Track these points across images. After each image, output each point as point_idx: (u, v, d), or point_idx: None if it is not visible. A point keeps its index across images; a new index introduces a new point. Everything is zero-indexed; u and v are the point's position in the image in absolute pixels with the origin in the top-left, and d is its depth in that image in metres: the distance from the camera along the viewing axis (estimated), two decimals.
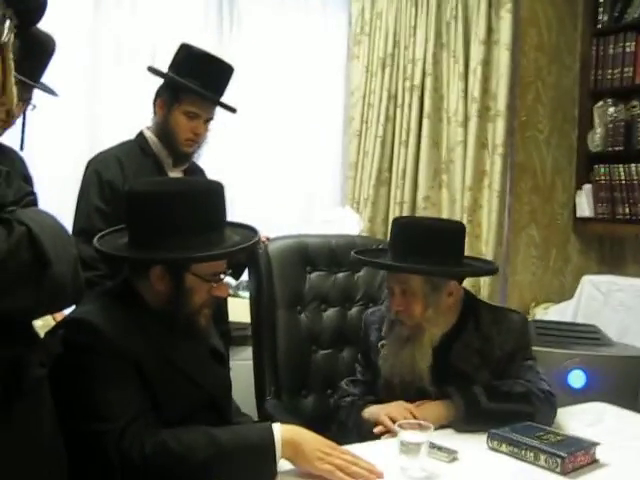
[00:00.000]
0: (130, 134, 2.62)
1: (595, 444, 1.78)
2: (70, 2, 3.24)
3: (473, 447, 1.83)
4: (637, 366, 3.00)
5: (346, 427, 2.15)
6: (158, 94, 2.54)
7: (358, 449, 1.74)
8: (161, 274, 1.64)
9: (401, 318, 2.05)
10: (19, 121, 2.11)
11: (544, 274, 4.08)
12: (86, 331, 1.56)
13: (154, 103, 2.55)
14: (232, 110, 2.63)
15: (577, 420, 2.05)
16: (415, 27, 3.74)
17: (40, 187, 2.34)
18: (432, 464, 1.68)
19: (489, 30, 3.71)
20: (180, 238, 1.60)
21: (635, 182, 3.72)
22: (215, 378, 1.79)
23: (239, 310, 2.92)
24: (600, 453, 1.78)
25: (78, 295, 1.32)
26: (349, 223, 3.44)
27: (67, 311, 1.68)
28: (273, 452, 1.59)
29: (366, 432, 2.00)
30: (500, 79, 3.69)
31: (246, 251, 1.99)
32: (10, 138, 2.08)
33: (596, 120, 3.97)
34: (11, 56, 1.18)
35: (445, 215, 3.77)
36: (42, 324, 2.09)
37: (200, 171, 2.73)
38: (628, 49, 3.77)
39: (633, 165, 3.72)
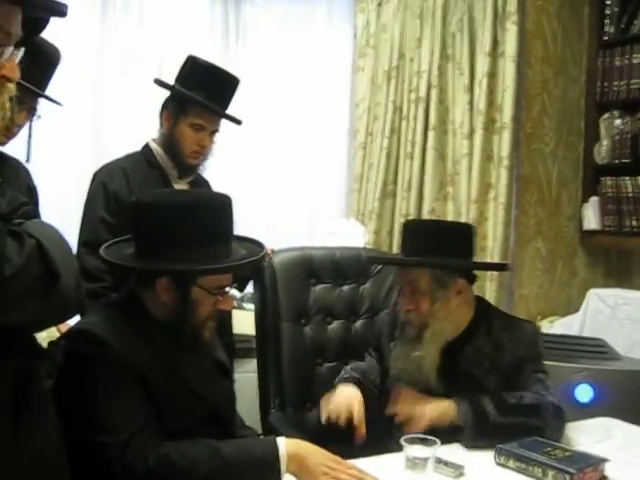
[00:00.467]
0: (136, 146, 2.62)
1: (604, 460, 1.76)
2: (77, 13, 3.25)
3: (480, 462, 1.81)
4: None
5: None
6: (164, 106, 2.55)
7: (364, 464, 1.73)
8: (167, 285, 1.64)
9: (410, 317, 2.09)
10: (25, 132, 2.11)
11: (550, 287, 4.06)
12: (91, 342, 1.56)
13: (160, 115, 2.56)
14: (238, 122, 2.64)
15: (585, 435, 2.03)
16: (420, 39, 3.75)
17: (45, 198, 2.36)
18: (438, 479, 1.66)
19: (495, 42, 3.70)
20: (187, 250, 1.60)
21: None
22: (219, 391, 1.78)
23: (244, 322, 2.91)
24: (609, 469, 1.76)
25: (80, 307, 1.32)
26: (354, 235, 3.43)
27: (72, 322, 1.68)
28: (278, 466, 1.58)
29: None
30: (506, 91, 3.69)
31: (252, 265, 1.99)
32: (16, 149, 2.09)
33: (602, 132, 3.96)
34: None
35: None
36: (46, 335, 2.09)
37: (205, 183, 2.73)
38: (635, 61, 3.76)
39: None
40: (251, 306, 3.04)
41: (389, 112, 3.76)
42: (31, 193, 2.19)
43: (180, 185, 2.57)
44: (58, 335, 1.82)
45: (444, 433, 1.88)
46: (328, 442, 1.77)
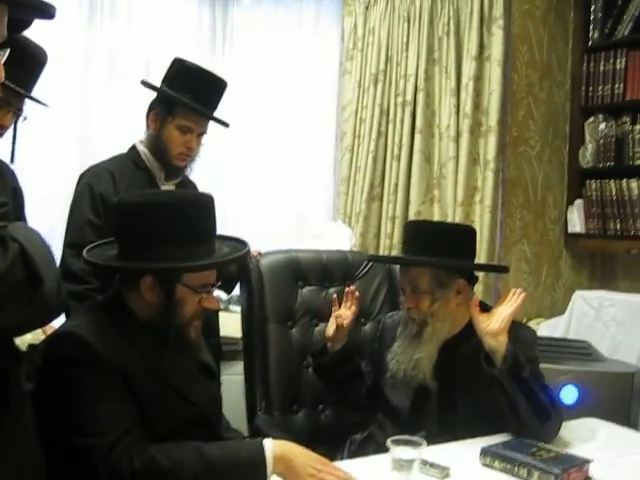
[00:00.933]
0: (122, 147, 2.61)
1: (588, 461, 1.78)
2: (64, 13, 3.24)
3: (466, 463, 1.82)
4: (629, 382, 2.99)
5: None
6: (151, 108, 2.54)
7: (349, 465, 1.73)
8: (151, 285, 1.64)
9: (412, 315, 2.13)
10: (9, 133, 2.10)
11: (535, 289, 4.08)
12: (76, 345, 1.55)
13: (147, 117, 2.54)
14: (225, 124, 2.63)
15: (570, 436, 2.04)
16: (407, 43, 3.76)
17: (31, 200, 2.35)
18: None
19: (481, 46, 3.72)
20: (170, 249, 1.60)
21: (626, 198, 3.73)
22: (205, 393, 1.77)
23: (230, 325, 2.91)
24: (593, 470, 1.77)
25: (61, 309, 1.33)
26: (341, 238, 3.44)
27: (56, 323, 1.67)
28: (264, 468, 1.58)
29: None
30: (492, 95, 3.70)
31: (236, 262, 2.00)
32: (0, 150, 2.08)
33: (587, 136, 3.99)
34: None
35: None
36: (31, 337, 2.08)
37: (192, 185, 2.72)
38: (618, 66, 3.79)
39: (624, 181, 3.73)
40: (238, 308, 3.04)
41: (376, 115, 3.77)
42: (16, 194, 2.18)
43: (167, 187, 2.56)
44: (43, 337, 1.82)
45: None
46: (315, 444, 1.78)
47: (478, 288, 3.63)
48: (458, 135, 3.74)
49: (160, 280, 1.63)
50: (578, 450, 1.90)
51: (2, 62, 1.18)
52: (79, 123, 3.42)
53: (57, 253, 2.28)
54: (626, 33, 3.78)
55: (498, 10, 3.69)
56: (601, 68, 3.89)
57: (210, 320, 2.15)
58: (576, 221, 4.03)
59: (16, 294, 1.14)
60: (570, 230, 4.08)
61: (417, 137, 3.75)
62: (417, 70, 3.74)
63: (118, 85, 3.47)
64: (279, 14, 3.84)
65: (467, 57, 3.73)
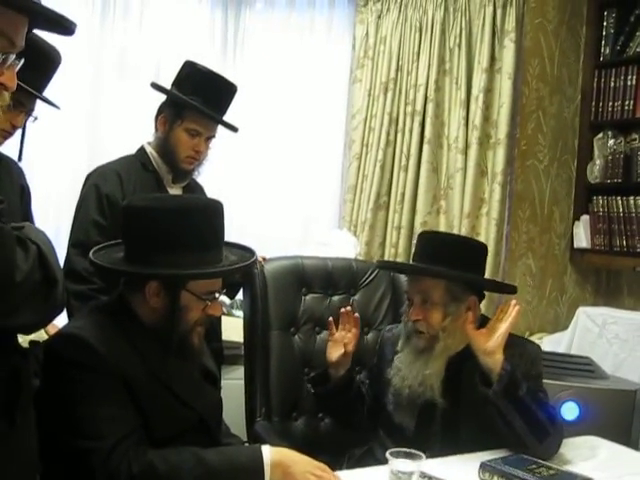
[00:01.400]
0: (131, 149, 2.61)
1: (588, 479, 1.76)
2: (76, 14, 3.25)
3: (465, 478, 1.81)
4: (630, 400, 2.98)
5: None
6: (160, 110, 2.54)
7: (348, 476, 1.73)
8: (156, 290, 1.63)
9: (419, 328, 2.06)
10: (18, 132, 2.10)
11: (539, 304, 4.07)
12: (79, 347, 1.55)
13: (156, 119, 2.55)
14: (234, 129, 2.63)
15: (570, 454, 2.03)
16: (418, 53, 3.76)
17: (38, 198, 2.36)
18: None
19: (492, 58, 3.72)
20: (177, 255, 1.60)
21: (633, 215, 3.72)
22: (206, 399, 1.77)
23: (232, 329, 2.90)
24: None
25: (63, 309, 1.35)
26: (346, 246, 3.43)
27: (59, 322, 1.68)
28: (262, 474, 1.58)
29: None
30: (501, 108, 3.70)
31: (242, 271, 1.99)
32: (9, 148, 2.08)
33: (596, 152, 3.98)
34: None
35: None
36: (34, 335, 2.08)
37: (200, 189, 2.72)
38: (629, 82, 3.79)
39: (631, 198, 3.72)
40: (240, 313, 3.03)
41: (385, 124, 3.76)
42: (24, 192, 2.18)
43: (174, 190, 2.57)
44: (46, 337, 1.82)
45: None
46: (313, 452, 1.77)
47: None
48: (467, 147, 3.74)
49: (165, 286, 1.63)
50: (578, 468, 1.88)
51: (16, 71, 1.19)
52: (88, 123, 3.43)
53: (63, 252, 2.30)
54: (638, 50, 3.78)
55: (510, 23, 3.69)
56: (612, 84, 3.89)
57: (212, 325, 2.14)
58: (582, 236, 4.02)
59: (35, 295, 1.17)
60: (576, 245, 4.07)
61: (425, 147, 3.75)
62: (427, 80, 3.74)
63: (128, 86, 3.47)
64: (291, 19, 3.85)
65: (478, 69, 3.73)
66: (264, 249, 2.64)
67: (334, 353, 2.18)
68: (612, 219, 3.83)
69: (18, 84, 1.23)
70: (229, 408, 2.01)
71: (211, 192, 2.80)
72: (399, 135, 3.79)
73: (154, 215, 1.63)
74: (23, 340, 1.45)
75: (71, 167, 3.30)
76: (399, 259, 3.71)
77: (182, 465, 1.53)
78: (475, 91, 3.73)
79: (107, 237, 2.18)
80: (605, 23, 3.97)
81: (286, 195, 3.84)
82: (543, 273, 4.07)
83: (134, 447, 1.52)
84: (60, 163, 3.34)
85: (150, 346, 1.64)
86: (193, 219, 1.64)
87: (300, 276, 2.63)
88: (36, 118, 2.12)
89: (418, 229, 3.74)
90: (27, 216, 2.10)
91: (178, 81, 2.54)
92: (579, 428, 2.65)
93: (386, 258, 3.76)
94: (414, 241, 3.71)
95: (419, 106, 3.74)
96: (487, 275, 3.61)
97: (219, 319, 2.57)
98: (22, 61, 1.19)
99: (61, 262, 1.61)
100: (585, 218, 4.02)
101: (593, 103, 4.00)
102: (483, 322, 2.15)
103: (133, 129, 3.23)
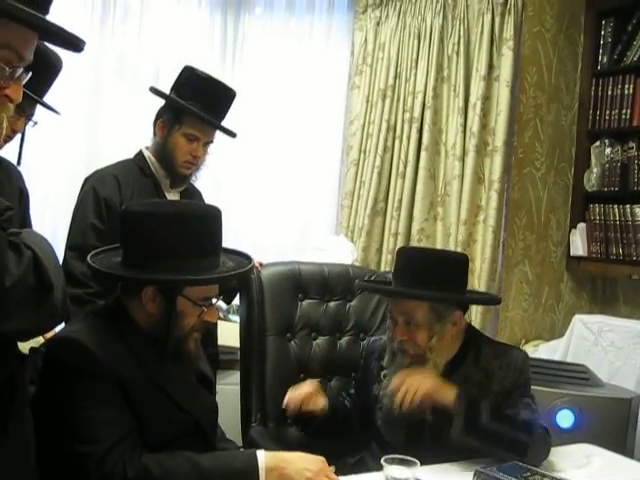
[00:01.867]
0: (129, 153, 2.62)
1: None
2: (75, 18, 3.26)
3: None
4: (626, 408, 2.99)
5: None
6: (159, 115, 2.55)
7: None
8: (153, 295, 1.64)
9: (405, 347, 2.04)
10: (18, 135, 2.11)
11: (536, 311, 4.07)
12: (75, 351, 1.55)
13: (154, 124, 2.55)
14: (232, 134, 2.64)
15: (564, 461, 2.03)
16: (417, 60, 3.77)
17: (36, 201, 2.36)
18: None
19: (490, 66, 3.73)
20: (175, 261, 1.60)
21: (629, 223, 3.73)
22: (202, 404, 1.77)
23: (229, 334, 2.90)
24: None
25: (64, 317, 1.34)
26: (343, 252, 3.44)
27: (56, 328, 1.67)
28: (257, 479, 1.58)
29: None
30: (499, 115, 3.71)
31: (239, 278, 1.99)
32: (8, 152, 2.08)
33: (593, 160, 3.99)
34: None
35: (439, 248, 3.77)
36: (33, 340, 2.08)
37: (198, 193, 2.73)
38: (627, 91, 3.81)
39: (628, 206, 3.74)
40: (237, 318, 3.03)
41: (382, 131, 3.77)
42: (22, 196, 2.18)
43: (171, 194, 2.57)
44: (43, 341, 1.82)
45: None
46: None
47: (478, 308, 3.64)
48: (464, 154, 3.74)
49: (162, 291, 1.63)
50: (572, 476, 1.89)
51: (23, 83, 1.19)
52: (87, 126, 3.43)
53: (59, 255, 2.30)
54: (635, 59, 3.80)
55: (508, 31, 3.70)
56: (609, 93, 3.90)
57: (209, 330, 2.14)
58: (579, 244, 4.03)
59: (28, 300, 1.16)
60: (572, 253, 4.08)
61: (423, 154, 3.76)
62: (425, 87, 3.75)
63: (127, 90, 3.48)
64: (290, 25, 3.86)
65: (476, 77, 3.74)
66: (261, 255, 2.65)
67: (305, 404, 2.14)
68: (609, 227, 3.84)
69: None
70: (225, 413, 2.01)
71: (208, 197, 2.80)
72: (397, 142, 3.80)
73: (152, 220, 1.64)
74: (22, 347, 1.45)
75: (69, 170, 3.30)
76: None
77: (177, 469, 1.53)
78: (473, 98, 3.74)
79: (104, 241, 2.19)
80: (603, 32, 3.98)
81: (283, 200, 3.84)
82: (539, 280, 4.08)
83: (129, 451, 1.52)
84: (58, 166, 3.34)
85: (146, 351, 1.64)
86: (191, 225, 1.64)
87: (297, 282, 2.63)
88: (36, 123, 2.13)
89: (415, 236, 3.75)
90: (25, 219, 2.11)
91: (177, 86, 2.55)
92: (574, 436, 2.65)
93: (383, 264, 3.77)
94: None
95: (417, 113, 3.75)
96: (483, 282, 3.64)
97: (215, 325, 2.57)
98: (30, 74, 1.20)
99: None
100: (582, 226, 4.03)
101: (590, 111, 4.02)
102: (469, 332, 2.14)
103: (132, 133, 3.23)
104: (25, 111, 2.04)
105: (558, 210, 4.12)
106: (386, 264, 3.74)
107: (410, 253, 2.22)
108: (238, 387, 2.59)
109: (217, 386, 2.26)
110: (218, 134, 2.59)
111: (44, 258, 1.20)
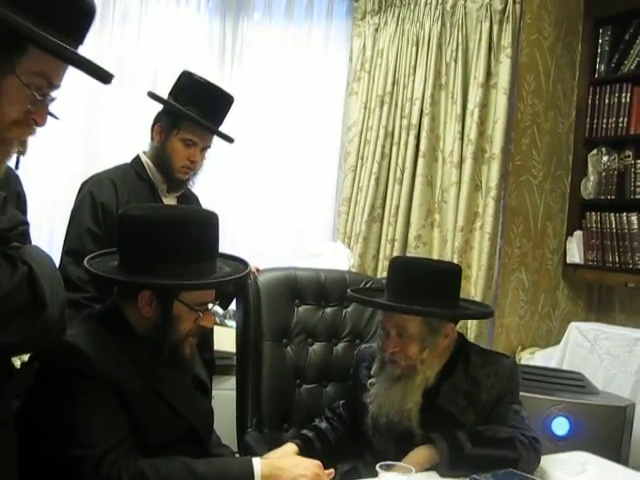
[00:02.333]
0: (126, 157, 2.62)
1: None
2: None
3: None
4: (621, 416, 2.98)
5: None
6: (157, 120, 2.55)
7: None
8: (149, 300, 1.64)
9: (396, 359, 2.03)
10: None
11: (532, 318, 4.07)
12: (71, 355, 1.55)
13: (152, 128, 2.55)
14: (230, 140, 2.64)
15: (559, 469, 2.03)
16: (415, 67, 3.78)
17: (33, 205, 2.36)
18: None
19: (488, 74, 3.74)
20: (171, 265, 1.60)
21: (626, 231, 3.74)
22: (198, 409, 1.77)
23: (225, 339, 2.91)
24: None
25: (59, 337, 1.33)
26: (339, 258, 3.44)
27: None
28: None
29: None
30: (496, 123, 3.72)
31: (236, 283, 1.99)
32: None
33: (590, 168, 4.00)
34: None
35: (436, 255, 3.77)
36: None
37: (195, 198, 2.73)
38: (624, 99, 3.81)
39: (624, 214, 3.74)
40: (233, 323, 3.03)
41: (380, 137, 3.78)
42: (19, 199, 2.18)
43: (168, 199, 2.57)
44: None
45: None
46: None
47: None
48: (461, 161, 3.75)
49: (158, 295, 1.63)
50: None
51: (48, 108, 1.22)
52: (84, 131, 3.43)
53: (56, 259, 2.30)
54: (632, 67, 3.81)
55: (506, 39, 3.71)
56: (606, 101, 3.91)
57: (205, 335, 2.14)
58: (575, 252, 4.03)
59: (18, 315, 1.17)
60: (569, 260, 4.09)
61: (420, 161, 3.76)
62: (423, 94, 3.76)
63: (125, 95, 3.48)
64: (289, 31, 3.87)
65: (474, 84, 3.75)
66: (258, 260, 2.65)
67: None
68: (605, 235, 3.85)
69: None
70: (220, 418, 2.01)
71: (206, 202, 2.81)
72: (394, 148, 3.81)
73: (149, 225, 1.64)
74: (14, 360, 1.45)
75: (67, 175, 3.31)
76: None
77: (173, 475, 1.53)
78: (470, 106, 3.75)
79: (101, 245, 2.19)
80: (600, 40, 3.99)
81: (281, 206, 3.85)
82: (536, 288, 4.08)
83: (125, 455, 1.52)
84: (56, 170, 3.34)
85: (142, 355, 1.64)
86: (189, 230, 1.64)
87: (293, 287, 2.63)
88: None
89: (412, 242, 3.76)
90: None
91: (175, 91, 2.55)
92: (569, 443, 2.66)
93: (379, 270, 3.77)
94: (408, 254, 3.74)
95: (415, 120, 3.76)
96: (480, 289, 3.65)
97: (211, 330, 2.57)
98: (56, 98, 1.23)
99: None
100: (578, 234, 4.03)
101: (588, 119, 4.02)
102: (459, 342, 2.14)
103: (129, 138, 3.24)
104: None
105: (555, 217, 4.13)
106: (383, 270, 3.74)
107: (403, 264, 2.19)
108: (234, 392, 2.58)
109: (213, 391, 2.25)
110: (216, 139, 2.59)
111: (41, 275, 1.20)
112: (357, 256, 3.74)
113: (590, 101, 4.01)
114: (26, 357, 1.76)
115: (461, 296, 2.20)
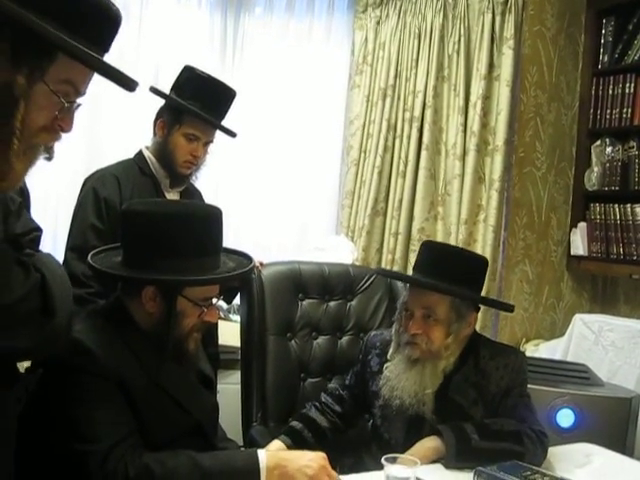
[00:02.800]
0: (129, 153, 2.62)
1: None
2: None
3: None
4: (626, 407, 2.98)
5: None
6: (159, 115, 2.55)
7: None
8: (153, 295, 1.64)
9: (417, 340, 2.01)
10: None
11: (536, 310, 4.07)
12: (76, 351, 1.55)
13: (154, 123, 2.55)
14: (232, 134, 2.64)
15: (565, 461, 2.04)
16: (417, 59, 3.77)
17: (36, 201, 2.36)
18: None
19: (490, 65, 3.73)
20: (175, 261, 1.60)
21: (630, 222, 3.73)
22: (203, 404, 1.77)
23: (229, 334, 2.91)
24: None
25: (66, 344, 1.35)
26: (343, 251, 3.44)
27: None
28: (258, 478, 1.58)
29: None
30: (500, 114, 3.71)
31: (240, 278, 1.99)
32: None
33: (593, 159, 3.99)
34: None
35: None
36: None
37: (198, 193, 2.73)
38: (627, 90, 3.80)
39: (628, 205, 3.73)
40: (237, 318, 3.04)
41: (383, 130, 3.77)
42: (23, 195, 2.18)
43: (171, 194, 2.57)
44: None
45: None
46: None
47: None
48: (464, 153, 3.74)
49: (162, 291, 1.63)
50: (572, 475, 1.89)
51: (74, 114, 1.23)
52: (87, 126, 3.42)
53: (60, 256, 2.30)
54: (636, 58, 3.79)
55: (509, 30, 3.70)
56: (610, 92, 3.90)
57: (209, 330, 2.15)
58: (579, 243, 4.02)
59: (29, 321, 1.18)
60: (573, 252, 4.08)
61: (423, 154, 3.75)
62: (426, 87, 3.75)
63: (126, 91, 3.47)
64: (290, 25, 3.86)
65: (476, 76, 3.74)
66: (262, 254, 2.65)
67: None
68: (609, 226, 3.84)
69: None
70: (225, 413, 2.01)
71: (209, 197, 2.81)
72: (397, 141, 3.80)
73: (153, 220, 1.64)
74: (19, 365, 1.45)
75: (69, 170, 3.30)
76: (396, 265, 3.72)
77: (178, 469, 1.53)
78: (473, 98, 3.73)
79: (105, 241, 2.19)
80: (603, 31, 3.98)
81: (284, 200, 3.84)
82: (540, 280, 4.08)
83: (131, 450, 1.52)
84: (59, 166, 3.33)
85: (147, 350, 1.65)
86: (192, 225, 1.64)
87: (297, 281, 2.64)
88: None
89: (415, 235, 3.75)
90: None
91: (177, 86, 2.55)
92: (574, 435, 2.65)
93: (383, 264, 3.77)
94: (411, 247, 3.74)
95: (417, 112, 3.75)
96: (485, 282, 3.64)
97: (216, 325, 2.57)
98: (81, 105, 1.25)
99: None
100: (582, 225, 4.03)
101: (591, 111, 4.01)
102: (472, 336, 2.14)
103: (131, 133, 3.23)
104: None
105: (558, 209, 4.12)
106: (386, 264, 3.74)
107: (436, 247, 2.21)
108: (239, 387, 2.59)
109: (218, 386, 2.26)
110: (218, 134, 2.59)
111: (53, 284, 1.22)
112: (361, 250, 3.74)
113: (593, 92, 4.00)
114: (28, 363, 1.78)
115: None
